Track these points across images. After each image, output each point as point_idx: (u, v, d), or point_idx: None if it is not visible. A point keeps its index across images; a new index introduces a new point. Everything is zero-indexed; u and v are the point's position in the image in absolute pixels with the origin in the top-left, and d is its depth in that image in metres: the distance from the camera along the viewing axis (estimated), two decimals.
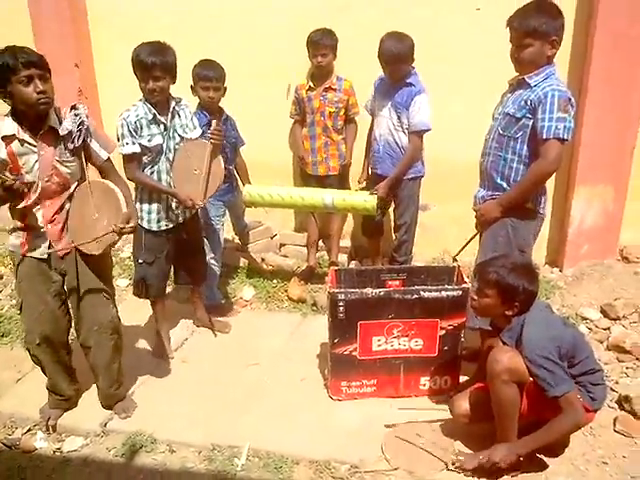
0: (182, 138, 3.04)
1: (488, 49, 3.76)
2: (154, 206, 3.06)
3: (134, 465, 2.57)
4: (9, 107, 2.38)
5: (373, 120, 3.75)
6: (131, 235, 3.16)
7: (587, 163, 3.92)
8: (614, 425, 2.68)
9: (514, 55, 2.66)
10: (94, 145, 2.55)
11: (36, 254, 2.53)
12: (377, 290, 2.78)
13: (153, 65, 2.82)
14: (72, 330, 2.80)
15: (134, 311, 3.73)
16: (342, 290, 2.80)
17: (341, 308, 2.77)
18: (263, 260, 4.41)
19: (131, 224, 2.46)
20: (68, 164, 2.47)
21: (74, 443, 2.71)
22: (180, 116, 3.03)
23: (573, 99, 2.61)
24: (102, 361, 2.76)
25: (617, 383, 2.96)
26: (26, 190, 2.37)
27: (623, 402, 2.77)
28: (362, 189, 3.78)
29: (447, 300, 2.76)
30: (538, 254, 4.07)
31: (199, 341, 3.53)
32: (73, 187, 2.51)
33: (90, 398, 2.93)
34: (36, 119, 2.37)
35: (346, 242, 4.48)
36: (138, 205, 3.05)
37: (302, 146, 3.97)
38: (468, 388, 2.64)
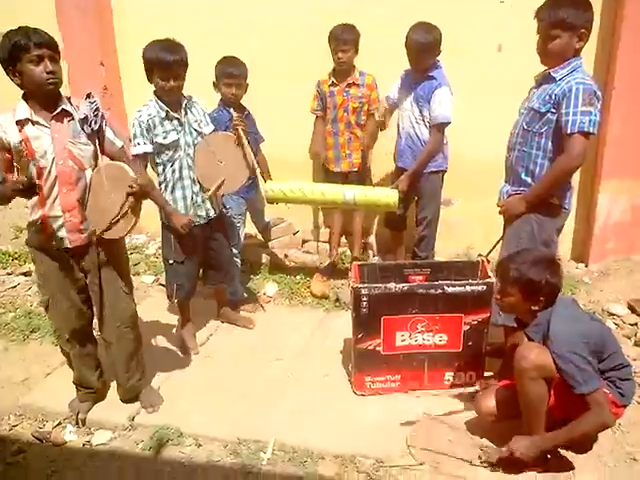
0: (199, 133, 3.06)
1: (512, 43, 3.73)
2: (180, 204, 3.07)
3: (161, 458, 2.61)
4: (20, 92, 2.39)
5: (393, 112, 3.75)
6: (159, 232, 3.22)
7: (614, 157, 3.87)
8: None
9: (541, 47, 2.62)
10: (109, 133, 2.55)
11: (61, 245, 2.54)
12: (401, 285, 2.78)
13: (175, 63, 2.84)
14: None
15: (159, 307, 3.79)
16: (365, 285, 2.80)
17: (364, 303, 2.77)
18: (286, 256, 4.43)
19: (140, 182, 2.44)
20: (82, 147, 2.48)
21: (103, 436, 2.75)
22: (193, 112, 3.06)
23: (599, 92, 2.56)
24: (124, 355, 2.81)
25: None
26: (38, 182, 2.38)
27: None
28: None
29: (471, 295, 2.75)
30: (563, 249, 4.03)
31: (223, 337, 3.57)
32: (89, 176, 2.52)
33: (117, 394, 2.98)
34: (48, 101, 2.40)
35: (369, 238, 4.48)
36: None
37: (322, 142, 3.97)
38: (494, 386, 2.62)
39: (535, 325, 2.38)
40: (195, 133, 3.05)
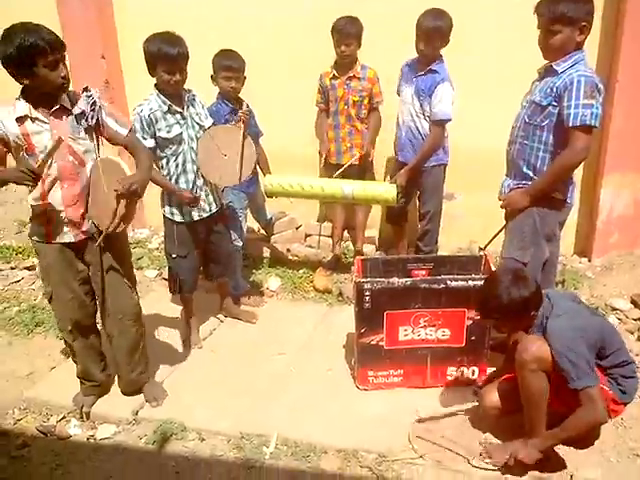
0: (201, 127, 3.06)
1: (513, 37, 3.71)
2: None
3: (165, 453, 2.62)
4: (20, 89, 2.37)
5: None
6: (162, 226, 3.22)
7: (617, 151, 3.86)
8: None
9: (542, 42, 2.61)
10: (112, 124, 2.53)
11: (64, 239, 2.55)
12: (403, 280, 2.78)
13: (180, 56, 2.83)
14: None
15: (162, 302, 3.79)
16: (368, 280, 2.80)
17: (367, 298, 2.77)
18: (288, 251, 4.43)
19: (126, 186, 2.37)
20: (81, 142, 2.48)
21: (107, 430, 2.76)
22: (194, 105, 3.05)
23: (601, 85, 2.54)
24: (126, 348, 2.81)
25: None
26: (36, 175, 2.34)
27: None
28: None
29: (474, 290, 2.73)
30: (566, 243, 4.02)
31: (226, 331, 3.58)
32: (89, 170, 2.52)
33: None
34: (48, 99, 2.39)
35: (371, 232, 4.48)
36: (167, 199, 3.09)
37: (325, 135, 3.96)
38: (497, 380, 2.63)
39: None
40: (197, 127, 3.05)
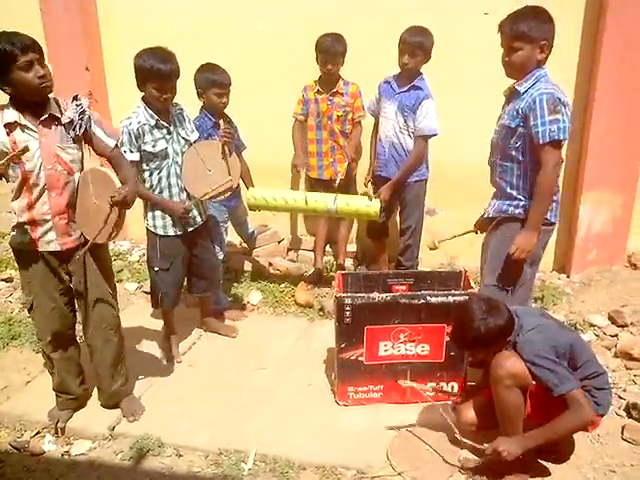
0: (187, 142, 3.05)
1: (496, 53, 3.75)
2: (168, 212, 3.06)
3: (141, 469, 2.58)
4: (8, 97, 2.36)
5: (376, 122, 3.77)
6: (143, 239, 3.20)
7: (595, 169, 3.92)
8: (622, 433, 2.66)
9: (504, 59, 2.66)
10: (100, 134, 2.52)
11: (49, 248, 2.53)
12: (384, 295, 2.79)
13: (171, 73, 2.82)
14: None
15: (142, 315, 3.76)
16: (349, 295, 2.80)
17: (348, 313, 2.77)
18: (270, 264, 4.42)
19: (122, 194, 2.37)
20: (70, 151, 2.46)
21: (82, 446, 2.72)
22: (180, 120, 3.05)
23: (564, 97, 2.57)
24: (109, 358, 2.79)
25: (625, 391, 2.95)
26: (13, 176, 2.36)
27: (631, 410, 2.76)
28: (364, 193, 3.74)
29: (454, 305, 2.75)
30: (545, 260, 4.03)
31: (206, 345, 3.55)
32: (77, 179, 2.50)
33: (98, 402, 2.94)
34: (36, 107, 2.37)
35: (353, 246, 4.49)
36: (150, 213, 3.08)
37: (301, 148, 3.95)
38: (474, 396, 2.64)
39: None
40: (183, 141, 3.04)
